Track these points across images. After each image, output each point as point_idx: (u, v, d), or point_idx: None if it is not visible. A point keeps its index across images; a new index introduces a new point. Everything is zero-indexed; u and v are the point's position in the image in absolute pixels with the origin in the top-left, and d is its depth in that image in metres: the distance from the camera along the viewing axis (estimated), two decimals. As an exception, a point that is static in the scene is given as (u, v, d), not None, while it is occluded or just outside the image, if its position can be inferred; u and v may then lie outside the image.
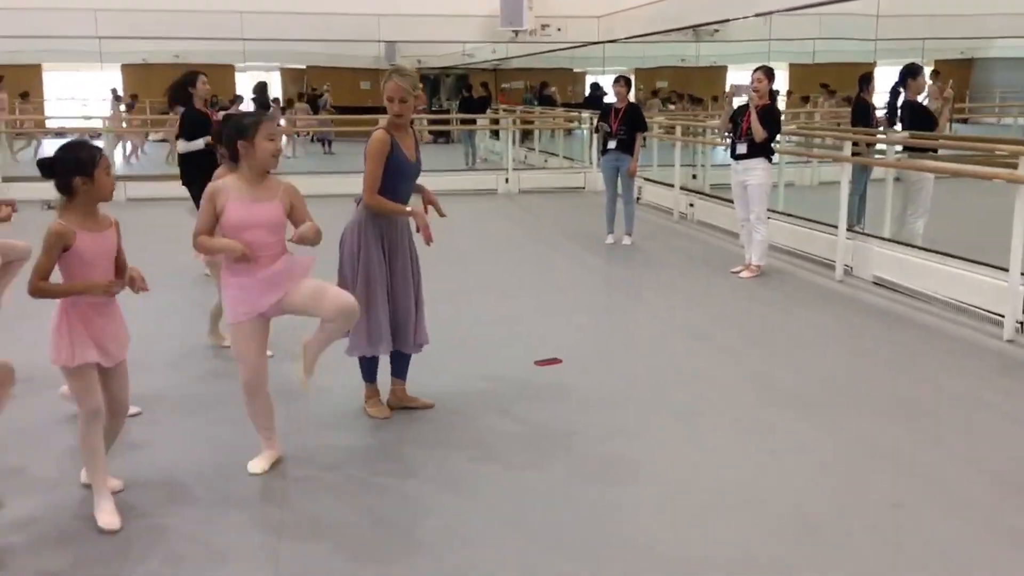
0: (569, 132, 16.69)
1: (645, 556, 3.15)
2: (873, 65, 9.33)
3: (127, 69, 23.62)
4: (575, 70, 25.08)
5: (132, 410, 4.42)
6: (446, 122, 18.83)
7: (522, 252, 9.07)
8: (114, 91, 20.96)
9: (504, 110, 17.73)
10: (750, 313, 6.60)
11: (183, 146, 7.08)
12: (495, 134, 17.96)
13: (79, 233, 3.23)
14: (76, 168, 3.23)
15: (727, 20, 11.62)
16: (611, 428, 4.34)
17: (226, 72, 21.41)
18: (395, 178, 4.21)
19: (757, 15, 10.60)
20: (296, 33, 13.91)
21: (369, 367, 4.45)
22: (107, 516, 3.31)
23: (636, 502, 3.56)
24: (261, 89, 19.79)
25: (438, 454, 4.03)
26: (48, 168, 3.26)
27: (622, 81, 9.01)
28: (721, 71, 21.32)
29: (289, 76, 25.14)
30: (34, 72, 22.82)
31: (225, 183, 3.62)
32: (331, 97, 21.07)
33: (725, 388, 4.91)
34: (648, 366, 5.33)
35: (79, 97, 21.86)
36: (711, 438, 4.23)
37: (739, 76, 15.40)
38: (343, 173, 11.63)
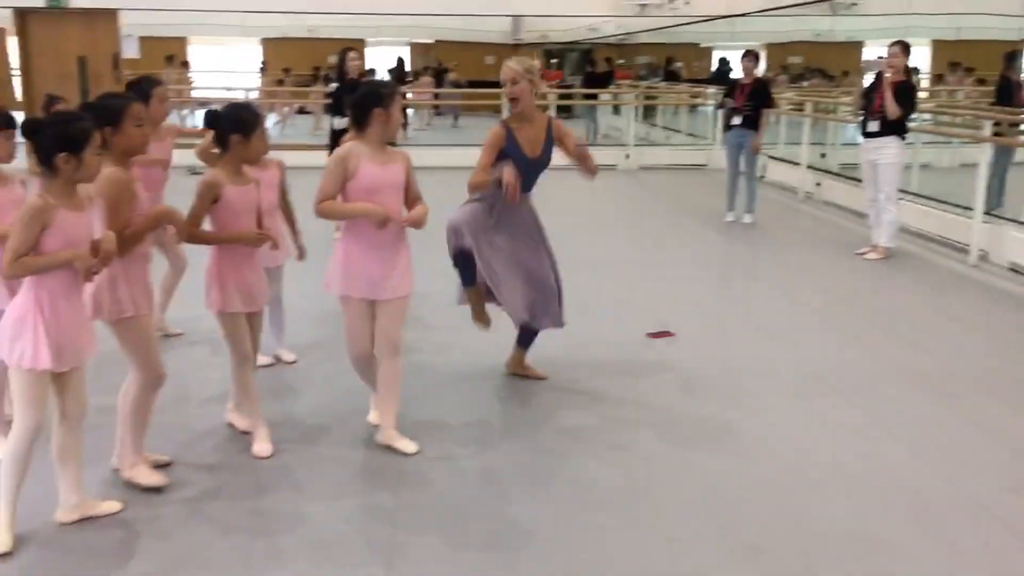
0: (693, 108, 16.46)
1: (758, 527, 3.21)
2: (1020, 43, 8.85)
3: (266, 42, 24.69)
4: (702, 45, 24.61)
5: (288, 357, 4.79)
6: (569, 97, 18.89)
7: (639, 227, 9.08)
8: (264, 63, 21.91)
9: (629, 86, 17.63)
10: (874, 294, 6.46)
11: (338, 122, 7.32)
12: (616, 109, 17.90)
13: (227, 187, 3.48)
14: (236, 126, 3.49)
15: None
16: (724, 401, 4.38)
17: (356, 46, 22.04)
18: None
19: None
20: (427, 8, 14.19)
21: (464, 269, 4.33)
22: (260, 444, 3.68)
23: (749, 474, 3.61)
24: (400, 64, 20.26)
25: (553, 419, 4.18)
26: (212, 120, 3.53)
27: (750, 56, 8.85)
28: (857, 47, 20.50)
29: (418, 50, 25.68)
30: (180, 45, 24.14)
31: (355, 147, 3.61)
32: (456, 74, 21.43)
33: (845, 367, 4.86)
34: (764, 342, 5.32)
35: (223, 69, 22.93)
36: (828, 415, 4.22)
37: (876, 52, 14.85)
38: (466, 145, 11.86)
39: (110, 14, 13.01)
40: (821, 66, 19.15)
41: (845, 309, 6.06)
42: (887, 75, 7.11)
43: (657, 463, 3.71)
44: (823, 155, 11.66)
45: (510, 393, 4.48)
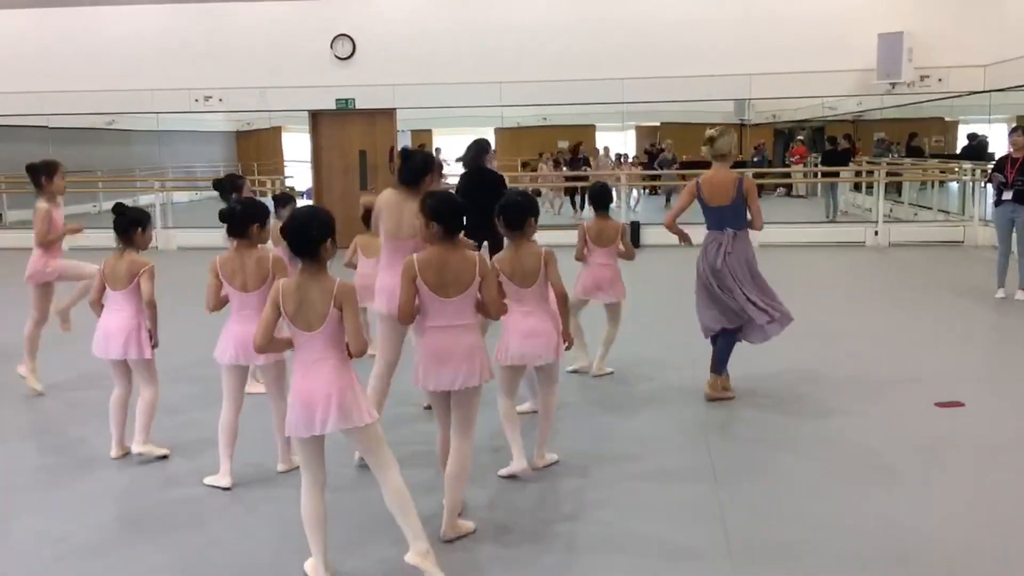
0: (942, 184, 15.96)
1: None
2: None
3: (499, 131, 26.38)
4: (947, 119, 23.66)
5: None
6: (786, 175, 18.91)
7: (903, 302, 8.97)
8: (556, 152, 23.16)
9: (868, 161, 17.36)
10: None
11: None
12: (856, 186, 17.66)
13: None
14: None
15: None
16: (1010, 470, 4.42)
17: (587, 131, 23.14)
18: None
19: None
20: (672, 95, 14.91)
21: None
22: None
23: None
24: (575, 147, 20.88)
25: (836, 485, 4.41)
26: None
27: (1020, 131, 8.68)
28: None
29: (643, 132, 26.47)
30: (425, 136, 26.32)
31: None
32: (672, 153, 21.85)
33: None
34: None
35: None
36: None
37: None
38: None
39: (389, 113, 14.69)
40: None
41: None
42: None
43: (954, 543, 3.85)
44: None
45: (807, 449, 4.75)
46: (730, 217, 5.41)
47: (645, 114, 24.49)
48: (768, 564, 3.53)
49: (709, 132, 5.45)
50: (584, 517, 4.00)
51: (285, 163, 18.06)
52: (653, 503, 4.12)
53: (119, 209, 4.66)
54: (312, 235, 3.19)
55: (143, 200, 14.89)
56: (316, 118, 14.92)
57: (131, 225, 4.61)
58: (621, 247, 6.04)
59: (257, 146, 19.21)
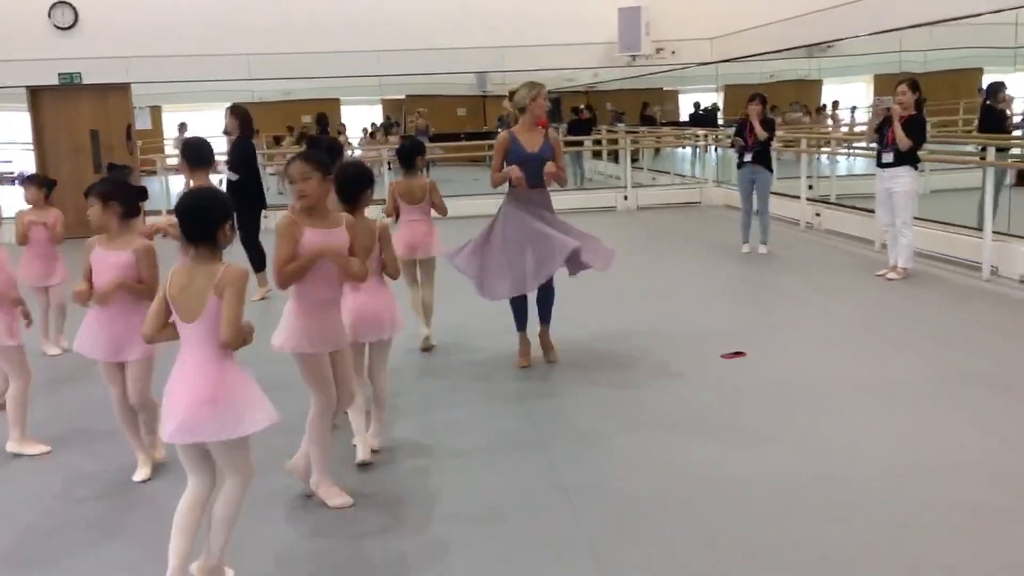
0: (665, 150, 17.37)
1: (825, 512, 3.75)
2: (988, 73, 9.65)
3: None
4: (665, 89, 25.66)
5: None
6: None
7: (665, 261, 9.64)
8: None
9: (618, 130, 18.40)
10: (903, 309, 7.07)
11: (231, 174, 8.03)
12: (597, 154, 18.72)
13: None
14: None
15: (844, 39, 12.03)
16: (783, 407, 4.94)
17: (332, 105, 22.55)
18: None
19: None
20: (426, 67, 14.87)
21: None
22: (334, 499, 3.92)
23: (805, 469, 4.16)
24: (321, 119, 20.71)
25: (614, 427, 4.71)
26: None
27: (757, 99, 9.53)
28: (815, 85, 21.62)
29: (389, 106, 26.26)
30: (155, 113, 24.36)
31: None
32: (410, 125, 21.92)
33: (896, 370, 5.43)
34: (820, 357, 5.87)
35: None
36: (896, 413, 4.80)
37: (837, 90, 15.78)
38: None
39: (123, 88, 13.42)
40: (776, 103, 20.22)
41: (881, 322, 6.69)
42: (895, 108, 7.83)
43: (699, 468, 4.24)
44: (810, 187, 12.42)
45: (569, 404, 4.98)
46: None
47: (391, 87, 24.27)
48: (607, 509, 3.69)
49: (511, 88, 5.73)
50: (433, 493, 3.96)
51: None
52: (493, 474, 4.17)
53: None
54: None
55: None
56: (36, 95, 13.32)
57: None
58: (434, 202, 6.15)
59: (-48, 129, 16.80)
